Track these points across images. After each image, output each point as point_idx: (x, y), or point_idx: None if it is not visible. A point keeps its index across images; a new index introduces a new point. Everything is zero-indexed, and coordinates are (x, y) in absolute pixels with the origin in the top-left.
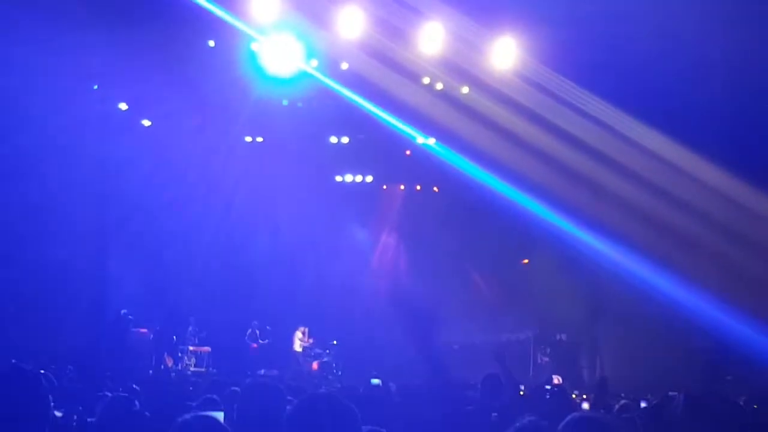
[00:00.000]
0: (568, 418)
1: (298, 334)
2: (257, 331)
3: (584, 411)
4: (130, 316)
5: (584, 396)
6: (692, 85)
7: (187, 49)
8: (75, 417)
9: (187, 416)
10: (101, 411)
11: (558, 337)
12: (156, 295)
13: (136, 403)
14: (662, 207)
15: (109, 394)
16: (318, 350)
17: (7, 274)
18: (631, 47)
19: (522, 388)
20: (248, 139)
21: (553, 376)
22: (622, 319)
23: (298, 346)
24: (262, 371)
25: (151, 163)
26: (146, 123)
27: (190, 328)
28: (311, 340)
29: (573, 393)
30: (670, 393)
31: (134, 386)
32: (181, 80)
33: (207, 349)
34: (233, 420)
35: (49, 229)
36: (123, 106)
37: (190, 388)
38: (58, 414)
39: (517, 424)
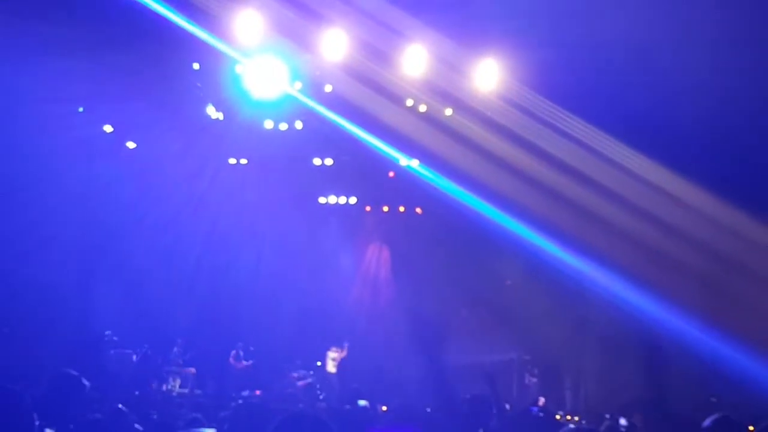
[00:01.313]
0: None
1: (332, 354)
2: (241, 352)
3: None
4: (114, 338)
5: (568, 417)
6: (675, 107)
7: (172, 71)
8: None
9: None
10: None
11: (542, 358)
12: (141, 316)
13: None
14: (646, 228)
15: (99, 416)
16: (302, 371)
17: None
18: (614, 70)
19: (507, 407)
20: (232, 161)
21: (539, 399)
22: (606, 340)
23: (332, 367)
24: (246, 392)
25: (136, 185)
26: (131, 145)
27: (175, 349)
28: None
29: (557, 414)
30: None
31: (120, 406)
32: (165, 103)
33: (192, 370)
34: None
35: (33, 250)
36: (108, 128)
37: (179, 410)
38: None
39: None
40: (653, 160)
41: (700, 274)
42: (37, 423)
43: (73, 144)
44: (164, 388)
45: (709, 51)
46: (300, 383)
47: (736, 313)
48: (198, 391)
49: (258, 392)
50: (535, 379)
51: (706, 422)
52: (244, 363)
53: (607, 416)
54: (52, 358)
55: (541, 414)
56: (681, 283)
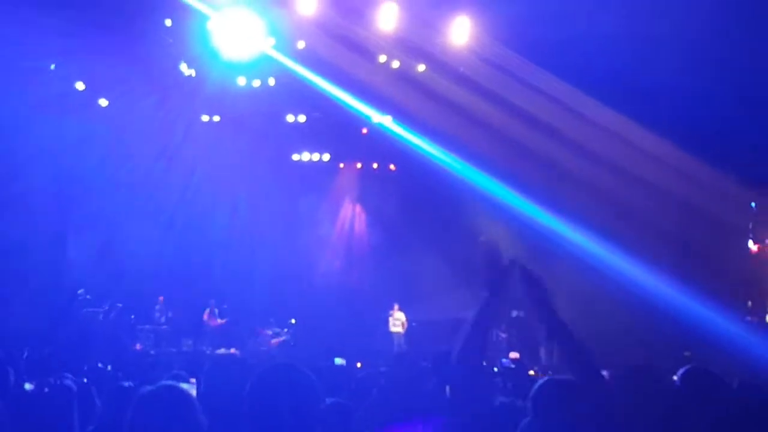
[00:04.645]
0: (541, 381)
1: (395, 314)
2: (216, 310)
3: (555, 376)
4: (87, 296)
5: (540, 374)
6: (648, 63)
7: (144, 28)
8: (46, 389)
9: (150, 387)
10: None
11: (515, 314)
12: (114, 275)
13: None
14: (617, 184)
15: (70, 376)
16: (276, 329)
17: None
18: (587, 25)
19: (484, 363)
20: (205, 118)
21: (510, 353)
22: (579, 296)
23: (395, 327)
24: (222, 350)
25: (109, 143)
26: (103, 102)
27: (158, 307)
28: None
29: (531, 370)
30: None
31: (99, 365)
32: (138, 60)
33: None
34: (200, 394)
35: (4, 208)
36: (80, 85)
37: (153, 369)
38: (28, 386)
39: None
40: (627, 116)
41: (673, 230)
42: (12, 378)
43: (45, 101)
44: (137, 346)
45: (684, 5)
46: (273, 341)
47: (709, 270)
48: (173, 349)
49: (233, 350)
50: (504, 335)
51: (679, 372)
52: (219, 321)
53: None
54: (25, 316)
55: (513, 366)
56: (654, 240)
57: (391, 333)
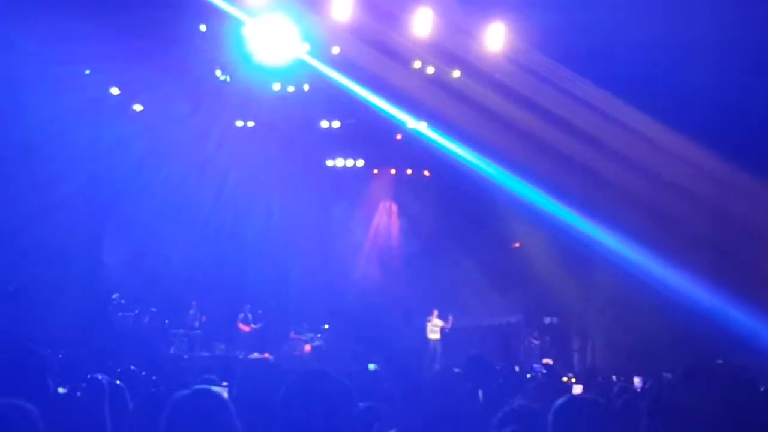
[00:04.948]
0: (561, 400)
1: (435, 321)
2: (249, 315)
3: (576, 393)
4: (122, 301)
5: (573, 379)
6: (683, 68)
7: (179, 33)
8: (78, 393)
9: (186, 391)
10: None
11: (548, 320)
12: (148, 279)
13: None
14: (653, 190)
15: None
16: (309, 334)
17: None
18: (622, 31)
19: (516, 369)
20: (239, 123)
21: (544, 359)
22: (613, 303)
23: (433, 333)
24: (255, 355)
25: (144, 148)
26: (138, 108)
27: (191, 312)
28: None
29: (564, 376)
30: (664, 374)
31: (132, 367)
32: (173, 65)
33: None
34: (233, 398)
35: (41, 213)
36: (115, 90)
37: (185, 374)
38: (61, 390)
39: (507, 408)
40: (661, 122)
41: (708, 235)
42: (51, 383)
43: (81, 106)
44: (171, 350)
45: (719, 11)
46: (306, 346)
47: (743, 274)
48: (206, 354)
49: (266, 355)
50: (537, 342)
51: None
52: (252, 326)
53: (614, 378)
54: (61, 321)
55: (544, 371)
56: (688, 245)
57: (428, 339)
